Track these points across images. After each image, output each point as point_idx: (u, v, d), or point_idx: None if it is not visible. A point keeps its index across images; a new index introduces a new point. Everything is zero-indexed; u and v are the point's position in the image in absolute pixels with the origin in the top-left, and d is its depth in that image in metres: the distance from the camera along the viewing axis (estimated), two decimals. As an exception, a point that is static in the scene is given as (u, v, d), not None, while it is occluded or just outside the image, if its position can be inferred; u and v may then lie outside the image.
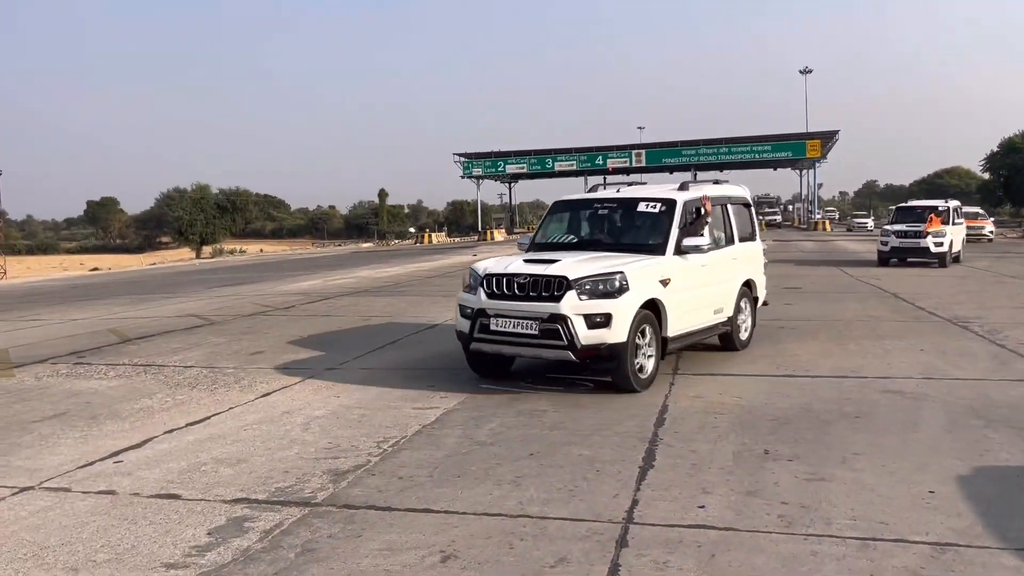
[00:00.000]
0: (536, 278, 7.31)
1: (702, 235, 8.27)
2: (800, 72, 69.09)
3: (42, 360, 10.00)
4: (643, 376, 7.49)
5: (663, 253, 8.00)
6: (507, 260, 7.82)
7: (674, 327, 7.88)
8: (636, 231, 8.63)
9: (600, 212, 9.09)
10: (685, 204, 8.45)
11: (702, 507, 4.56)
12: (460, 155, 69.35)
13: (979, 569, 3.74)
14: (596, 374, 7.75)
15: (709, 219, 8.60)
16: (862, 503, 4.57)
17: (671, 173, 73.98)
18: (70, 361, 9.87)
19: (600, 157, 66.32)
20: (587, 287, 7.18)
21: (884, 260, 23.40)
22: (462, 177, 70.53)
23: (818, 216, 64.12)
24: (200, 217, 64.94)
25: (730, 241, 9.39)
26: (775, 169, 74.68)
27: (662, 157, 66.15)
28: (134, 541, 4.26)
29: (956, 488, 4.77)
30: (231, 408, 7.19)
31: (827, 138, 62.91)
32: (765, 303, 10.51)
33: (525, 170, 69.55)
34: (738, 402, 6.99)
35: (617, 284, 7.24)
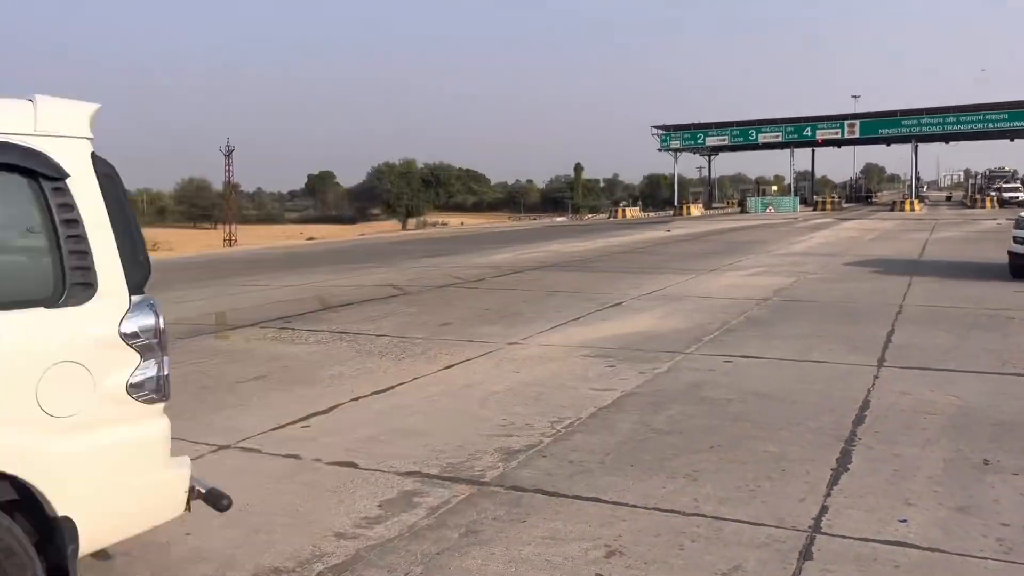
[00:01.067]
0: None
1: None
2: (1048, 29, 61.40)
3: (254, 323, 10.77)
4: None
5: None
6: None
7: None
8: None
9: None
10: None
11: (903, 521, 4.06)
12: (658, 127, 67.75)
13: None
14: None
15: None
16: (1106, 533, 3.88)
17: (888, 145, 68.63)
18: (277, 325, 10.57)
19: (808, 128, 62.39)
20: None
21: (1018, 270, 13.89)
22: (659, 150, 68.84)
23: (1064, 192, 56.88)
24: (406, 190, 68.42)
25: None
26: (1012, 140, 67.05)
27: (878, 128, 61.10)
28: (312, 507, 4.41)
29: None
30: (415, 379, 7.35)
31: (1079, 103, 55.49)
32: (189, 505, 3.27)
33: (726, 142, 66.77)
34: (953, 402, 6.23)
35: None
